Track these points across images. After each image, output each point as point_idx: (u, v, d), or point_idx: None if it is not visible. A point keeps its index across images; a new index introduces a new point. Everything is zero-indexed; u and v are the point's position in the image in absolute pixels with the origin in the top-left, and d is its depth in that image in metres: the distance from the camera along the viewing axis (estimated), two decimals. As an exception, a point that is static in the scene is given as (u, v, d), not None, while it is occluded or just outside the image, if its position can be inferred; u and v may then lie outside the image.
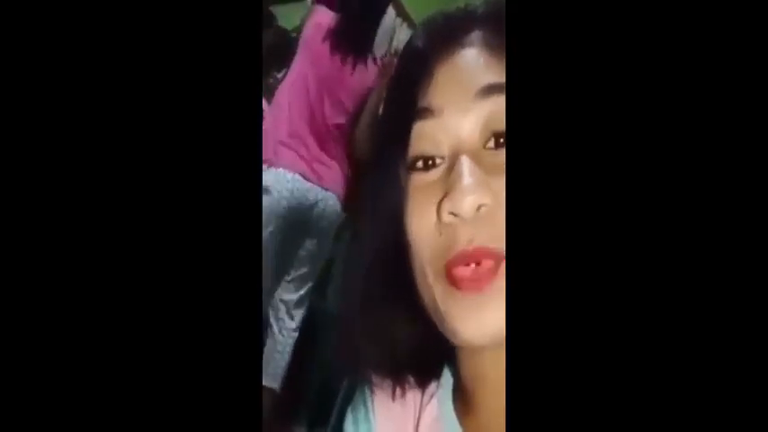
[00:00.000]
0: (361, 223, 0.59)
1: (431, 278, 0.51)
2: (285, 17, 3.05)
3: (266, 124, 2.24)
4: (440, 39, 0.55)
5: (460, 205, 0.49)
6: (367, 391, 0.64)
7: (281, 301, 2.32)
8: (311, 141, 2.27)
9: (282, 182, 2.21)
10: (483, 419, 0.56)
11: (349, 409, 0.65)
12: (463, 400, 0.58)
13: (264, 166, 2.20)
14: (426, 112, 0.52)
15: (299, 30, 2.79)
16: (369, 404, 0.63)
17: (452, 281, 0.50)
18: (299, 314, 2.33)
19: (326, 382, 1.94)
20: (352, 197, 2.27)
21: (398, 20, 2.73)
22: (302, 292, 2.34)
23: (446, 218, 0.50)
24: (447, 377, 0.61)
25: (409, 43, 0.57)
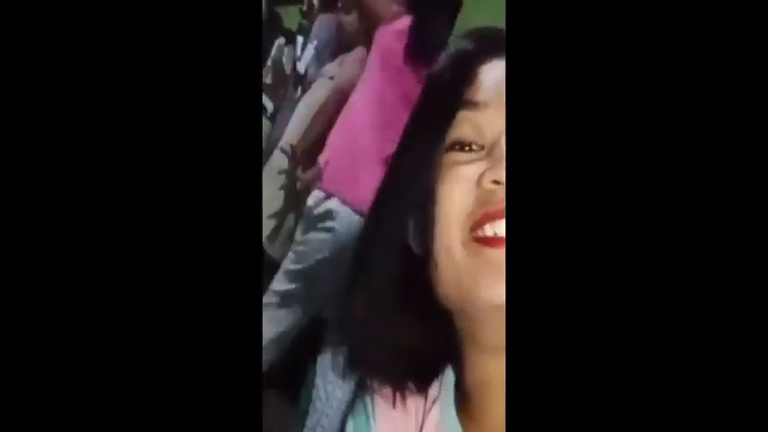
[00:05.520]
0: (372, 227, 0.59)
1: (457, 245, 0.52)
2: (289, 18, 3.05)
3: (330, 153, 2.01)
4: (487, 43, 0.57)
5: (504, 174, 0.50)
6: (368, 398, 0.63)
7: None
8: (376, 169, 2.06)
9: (347, 223, 1.93)
10: (486, 425, 0.56)
11: (350, 417, 0.65)
12: (466, 405, 0.58)
13: (326, 197, 1.97)
14: (471, 104, 0.54)
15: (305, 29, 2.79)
16: (370, 411, 0.63)
17: (480, 241, 0.51)
18: None
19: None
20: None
21: None
22: None
23: (488, 186, 0.51)
24: (449, 382, 0.60)
25: (456, 42, 0.60)
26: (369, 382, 0.61)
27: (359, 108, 2.02)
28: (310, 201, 2.04)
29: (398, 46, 1.95)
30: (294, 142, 2.36)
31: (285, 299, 2.04)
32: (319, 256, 1.96)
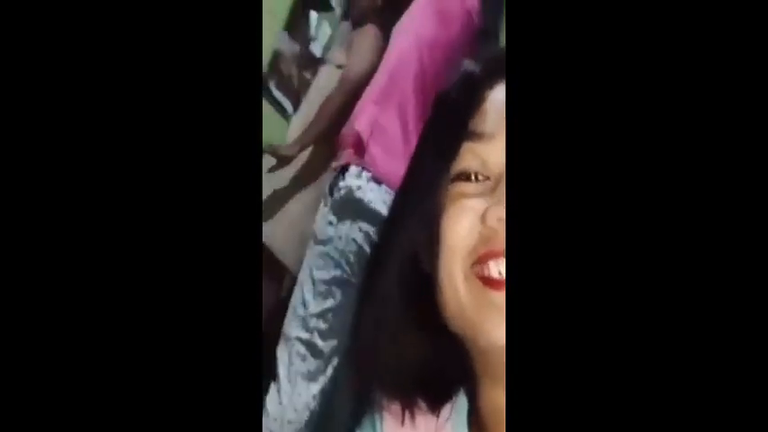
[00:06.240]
0: (386, 236, 0.59)
1: (460, 279, 0.52)
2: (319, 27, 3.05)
3: (372, 127, 1.69)
4: (495, 68, 0.56)
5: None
6: (376, 414, 0.62)
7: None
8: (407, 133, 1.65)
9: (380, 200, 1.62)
10: None
11: (356, 433, 0.63)
12: (480, 428, 0.57)
13: (371, 179, 1.66)
14: (477, 136, 0.54)
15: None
16: (378, 427, 0.61)
17: (483, 280, 0.50)
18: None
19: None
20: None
21: None
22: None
23: (493, 223, 0.50)
24: (461, 405, 0.59)
25: (465, 68, 0.59)
26: (376, 396, 0.60)
27: (406, 73, 1.70)
28: (349, 179, 1.67)
29: (455, 3, 1.72)
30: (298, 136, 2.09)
31: (323, 317, 1.66)
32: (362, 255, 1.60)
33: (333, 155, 1.86)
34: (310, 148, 2.04)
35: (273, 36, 2.58)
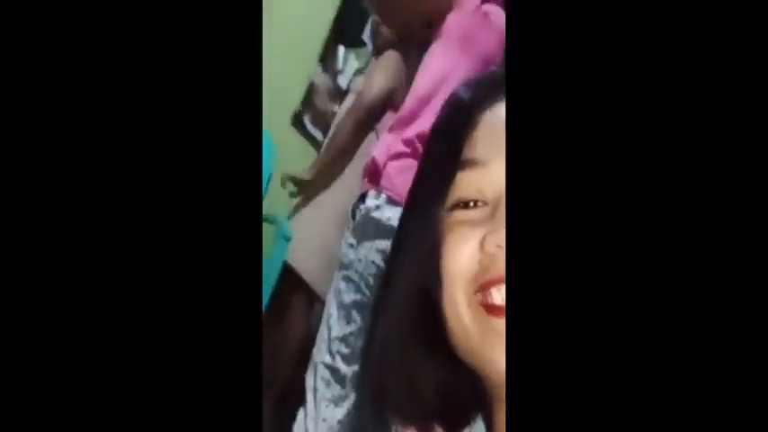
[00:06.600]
0: (392, 266, 0.59)
1: (464, 307, 0.51)
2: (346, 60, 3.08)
3: (390, 151, 1.67)
4: (485, 92, 0.56)
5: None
6: None
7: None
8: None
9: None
10: None
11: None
12: None
13: (388, 201, 1.63)
14: (471, 164, 0.54)
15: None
16: None
17: (487, 307, 0.49)
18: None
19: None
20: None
21: None
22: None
23: (492, 250, 0.49)
24: (479, 429, 0.58)
25: (455, 94, 0.59)
26: (392, 422, 0.59)
27: (423, 101, 1.66)
28: (368, 201, 1.66)
29: (482, 27, 1.67)
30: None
31: (347, 343, 1.64)
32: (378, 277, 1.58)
33: (354, 176, 1.88)
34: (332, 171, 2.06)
35: (307, 71, 2.63)
